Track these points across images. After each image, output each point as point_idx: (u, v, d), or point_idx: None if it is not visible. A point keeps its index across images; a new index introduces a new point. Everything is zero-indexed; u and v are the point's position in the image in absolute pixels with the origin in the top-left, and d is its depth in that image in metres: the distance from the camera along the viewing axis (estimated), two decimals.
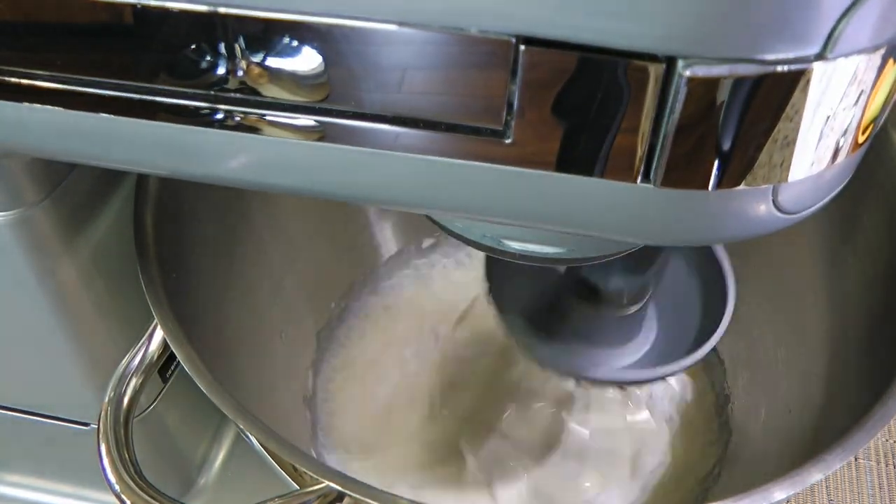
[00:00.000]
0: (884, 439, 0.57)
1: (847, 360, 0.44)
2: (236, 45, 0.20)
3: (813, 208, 0.22)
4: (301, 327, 0.60)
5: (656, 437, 0.57)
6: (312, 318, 0.61)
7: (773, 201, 0.20)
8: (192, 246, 0.44)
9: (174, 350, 0.36)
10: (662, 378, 0.44)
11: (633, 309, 0.42)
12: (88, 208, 0.39)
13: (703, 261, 0.45)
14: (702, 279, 0.46)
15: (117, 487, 0.34)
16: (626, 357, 0.45)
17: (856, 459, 0.56)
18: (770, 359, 0.54)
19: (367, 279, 0.65)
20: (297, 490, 0.34)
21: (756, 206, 0.21)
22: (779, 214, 0.21)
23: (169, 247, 0.41)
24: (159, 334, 0.39)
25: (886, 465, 0.56)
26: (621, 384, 0.53)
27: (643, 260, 0.38)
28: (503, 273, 0.44)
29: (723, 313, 0.43)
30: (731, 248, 0.58)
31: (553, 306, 0.45)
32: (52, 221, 0.36)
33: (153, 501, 0.34)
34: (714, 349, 0.52)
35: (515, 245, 0.28)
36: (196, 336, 0.39)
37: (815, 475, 0.32)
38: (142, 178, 0.41)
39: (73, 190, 0.37)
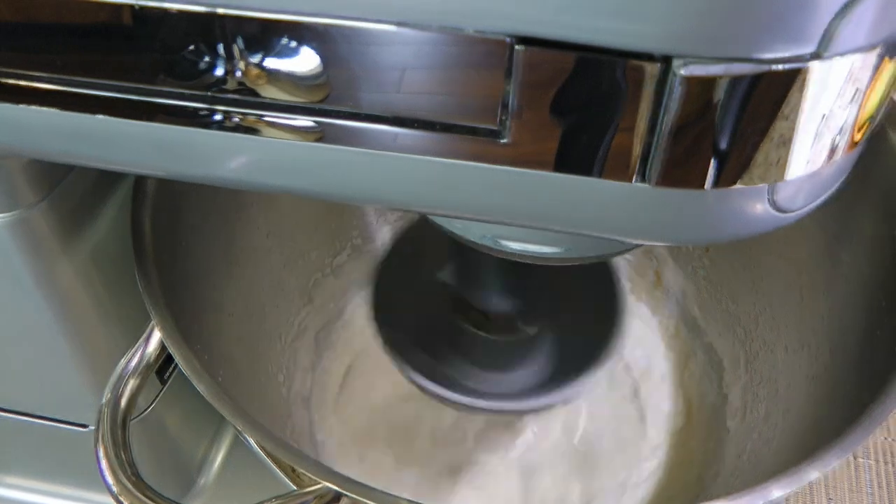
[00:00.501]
0: (882, 437, 0.57)
1: (844, 359, 0.44)
2: (234, 46, 0.20)
3: (809, 207, 0.22)
4: (300, 328, 0.60)
5: (654, 438, 0.57)
6: (311, 319, 0.61)
7: (770, 200, 0.20)
8: (190, 247, 0.44)
9: (172, 351, 0.36)
10: (561, 403, 0.42)
11: (524, 333, 0.41)
12: (86, 209, 0.39)
13: (598, 280, 0.44)
14: (596, 299, 0.45)
15: (115, 489, 0.34)
16: (519, 383, 0.44)
17: (854, 457, 0.56)
18: (768, 358, 0.54)
19: (366, 279, 0.65)
20: (296, 491, 0.34)
21: (753, 205, 0.21)
22: (776, 213, 0.21)
23: (166, 248, 0.41)
24: (157, 336, 0.38)
25: (885, 464, 0.56)
26: (511, 413, 0.51)
27: (530, 282, 0.38)
28: (389, 289, 0.43)
29: (615, 333, 0.42)
30: (731, 249, 0.58)
31: (442, 333, 0.44)
32: (50, 223, 0.36)
33: (151, 503, 0.34)
34: (714, 350, 0.52)
35: (514, 245, 0.28)
36: (194, 337, 0.39)
37: (813, 473, 0.32)
38: (139, 180, 0.41)
39: (71, 191, 0.37)
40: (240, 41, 0.20)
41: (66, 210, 0.37)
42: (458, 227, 0.29)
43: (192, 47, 0.21)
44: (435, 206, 0.24)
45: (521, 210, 0.22)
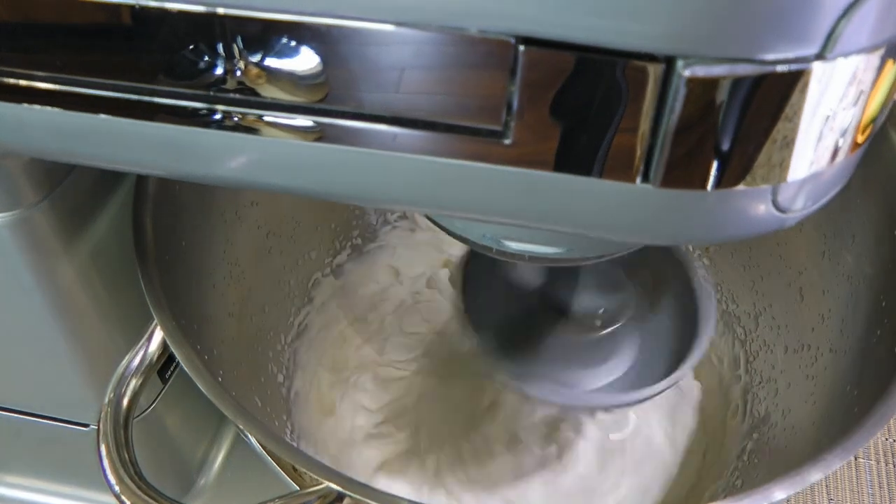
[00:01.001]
0: (884, 438, 0.57)
1: (844, 359, 0.44)
2: (234, 46, 0.20)
3: (812, 208, 0.22)
4: (300, 328, 0.60)
5: (657, 443, 0.57)
6: (311, 319, 0.61)
7: (773, 201, 0.20)
8: (191, 247, 0.44)
9: (174, 351, 0.36)
10: (635, 403, 0.43)
11: (608, 330, 0.41)
12: (87, 209, 0.39)
13: (683, 284, 0.44)
14: (681, 302, 0.45)
15: (117, 488, 0.34)
16: (600, 380, 0.44)
17: (856, 458, 0.56)
18: (768, 358, 0.54)
19: (367, 278, 0.65)
20: (298, 491, 0.34)
21: (755, 206, 0.21)
22: (778, 214, 0.21)
23: (167, 248, 0.41)
24: (159, 335, 0.39)
25: (886, 465, 0.56)
26: (592, 409, 0.52)
27: (618, 280, 0.38)
28: (477, 290, 0.43)
29: (699, 337, 0.42)
30: (731, 249, 0.58)
31: (527, 325, 0.45)
32: (51, 222, 0.36)
33: (153, 502, 0.34)
34: (714, 349, 0.52)
35: (515, 245, 0.28)
36: (194, 337, 0.39)
37: (815, 474, 0.32)
38: (141, 179, 0.41)
39: (72, 191, 0.37)
40: (240, 41, 0.20)
41: (67, 210, 0.37)
42: (458, 227, 0.29)
43: (192, 47, 0.21)
44: (437, 206, 0.24)
45: (523, 210, 0.22)
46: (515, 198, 0.21)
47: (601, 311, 0.40)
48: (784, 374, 0.51)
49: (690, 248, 0.61)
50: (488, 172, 0.21)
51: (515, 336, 0.45)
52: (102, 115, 0.23)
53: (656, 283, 0.46)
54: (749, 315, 0.56)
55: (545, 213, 0.22)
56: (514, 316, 0.45)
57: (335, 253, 0.63)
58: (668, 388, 0.41)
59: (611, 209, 0.21)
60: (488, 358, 0.42)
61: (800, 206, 0.21)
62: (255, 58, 0.20)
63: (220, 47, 0.21)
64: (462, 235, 0.29)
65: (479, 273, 0.44)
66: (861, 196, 0.45)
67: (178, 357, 0.36)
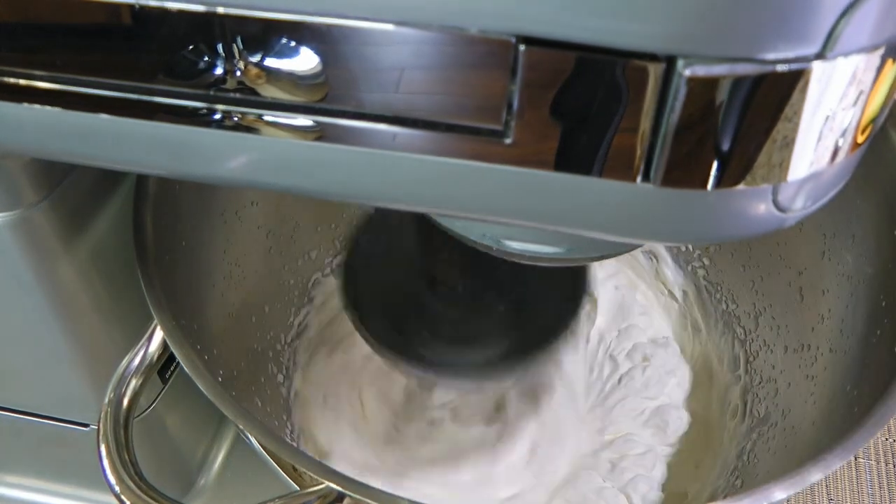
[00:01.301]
0: (883, 438, 0.57)
1: (844, 359, 0.44)
2: (234, 46, 0.20)
3: (812, 207, 0.22)
4: (300, 328, 0.60)
5: (657, 445, 0.57)
6: (311, 319, 0.61)
7: (773, 201, 0.20)
8: (191, 247, 0.44)
9: (174, 351, 0.36)
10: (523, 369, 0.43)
11: (486, 302, 0.41)
12: (88, 209, 0.39)
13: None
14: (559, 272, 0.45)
15: (117, 488, 0.34)
16: (486, 352, 0.44)
17: (856, 458, 0.56)
18: (768, 358, 0.54)
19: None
20: (298, 491, 0.34)
21: (756, 206, 0.21)
22: (778, 214, 0.21)
23: (168, 248, 0.41)
24: (159, 335, 0.39)
25: (886, 465, 0.56)
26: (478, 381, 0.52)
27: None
28: (357, 281, 0.43)
29: (582, 293, 0.42)
30: (731, 249, 0.58)
31: (408, 303, 0.45)
32: (51, 222, 0.36)
33: (153, 502, 0.34)
34: (714, 349, 0.52)
35: (515, 245, 0.28)
36: (194, 337, 0.39)
37: (815, 474, 0.32)
38: (141, 179, 0.41)
39: (72, 191, 0.37)
40: (240, 41, 0.20)
41: (67, 210, 0.37)
42: (459, 227, 0.29)
43: (191, 47, 0.21)
44: (437, 205, 0.24)
45: (524, 210, 0.22)
46: (515, 198, 0.21)
47: (476, 284, 0.41)
48: (784, 374, 0.51)
49: (690, 248, 0.61)
50: (488, 172, 0.21)
51: (398, 317, 0.45)
52: (102, 115, 0.23)
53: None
54: (749, 315, 0.56)
55: (545, 212, 0.22)
56: (395, 297, 0.46)
57: (335, 253, 0.63)
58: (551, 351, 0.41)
59: (611, 209, 0.21)
60: (385, 352, 0.42)
61: (800, 205, 0.21)
62: (255, 57, 0.20)
63: (220, 47, 0.21)
64: (462, 235, 0.29)
65: (366, 249, 0.44)
66: (861, 196, 0.45)
67: (178, 357, 0.36)
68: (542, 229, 0.26)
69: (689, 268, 0.61)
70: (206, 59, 0.21)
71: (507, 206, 0.22)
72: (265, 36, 0.20)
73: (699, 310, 0.61)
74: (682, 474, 0.55)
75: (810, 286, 0.50)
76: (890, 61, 0.19)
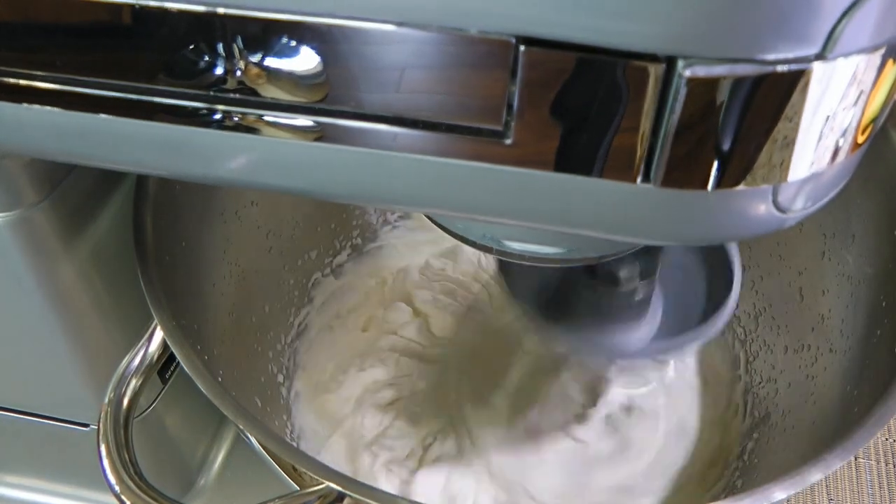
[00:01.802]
0: (884, 438, 0.57)
1: (846, 360, 0.44)
2: (234, 46, 0.20)
3: (813, 208, 0.22)
4: (300, 328, 0.60)
5: (657, 446, 0.57)
6: (311, 319, 0.61)
7: (773, 201, 0.20)
8: (191, 247, 0.44)
9: (174, 350, 0.36)
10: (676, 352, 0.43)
11: (641, 288, 0.42)
12: (88, 209, 0.39)
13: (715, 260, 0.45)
14: (706, 258, 0.45)
15: (117, 488, 0.34)
16: (637, 337, 0.45)
17: (856, 458, 0.56)
18: (768, 358, 0.54)
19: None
20: (298, 491, 0.34)
21: (756, 206, 0.21)
22: (779, 214, 0.21)
23: (168, 248, 0.41)
24: (159, 335, 0.39)
25: (886, 465, 0.56)
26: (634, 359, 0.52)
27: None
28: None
29: (730, 289, 0.42)
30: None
31: (562, 290, 0.45)
32: (51, 222, 0.36)
33: (153, 502, 0.34)
34: (714, 350, 0.52)
35: (516, 245, 0.28)
36: (194, 337, 0.39)
37: (815, 475, 0.32)
38: (141, 179, 0.41)
39: (72, 191, 0.37)
40: (240, 41, 0.20)
41: (68, 209, 0.37)
42: (459, 227, 0.29)
43: (192, 47, 0.21)
44: (437, 206, 0.24)
45: (524, 210, 0.22)
46: (516, 198, 0.21)
47: (628, 272, 0.41)
48: (784, 374, 0.51)
49: None
50: (489, 172, 0.21)
51: (552, 302, 0.45)
52: (102, 115, 0.23)
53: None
54: (749, 315, 0.56)
55: (545, 213, 0.22)
56: (549, 282, 0.46)
57: (335, 253, 0.63)
58: (697, 342, 0.41)
59: (611, 209, 0.21)
60: (531, 324, 0.43)
61: (800, 206, 0.21)
62: (256, 58, 0.20)
63: (220, 47, 0.21)
64: (462, 235, 0.29)
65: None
66: (861, 196, 0.45)
67: (178, 357, 0.36)
68: (543, 229, 0.26)
69: None
70: (206, 59, 0.21)
71: (507, 207, 0.22)
72: (265, 36, 0.20)
73: None
74: (683, 473, 0.55)
75: (810, 286, 0.50)
76: (890, 62, 0.19)
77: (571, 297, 0.45)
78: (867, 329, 0.43)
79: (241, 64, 0.21)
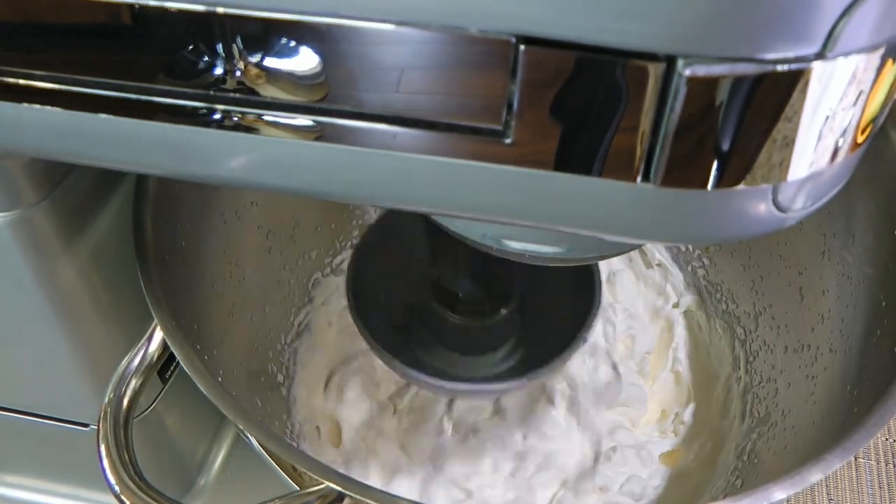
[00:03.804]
0: (884, 438, 0.57)
1: (844, 359, 0.44)
2: (234, 46, 0.20)
3: (812, 207, 0.22)
4: (300, 328, 0.60)
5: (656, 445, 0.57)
6: (312, 319, 0.61)
7: (773, 201, 0.20)
8: (191, 247, 0.44)
9: (174, 350, 0.36)
10: (523, 386, 0.42)
11: (496, 315, 0.41)
12: (88, 209, 0.39)
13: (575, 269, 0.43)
14: (569, 280, 0.44)
15: (117, 488, 0.34)
16: (493, 367, 0.44)
17: (856, 458, 0.56)
18: (768, 358, 0.54)
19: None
20: (298, 491, 0.34)
21: (756, 206, 0.21)
22: (778, 214, 0.21)
23: (167, 248, 0.41)
24: (159, 335, 0.39)
25: (886, 465, 0.56)
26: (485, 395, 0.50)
27: (500, 266, 0.37)
28: (366, 284, 0.43)
29: (591, 311, 0.41)
30: (731, 249, 0.58)
31: (415, 314, 0.44)
32: (51, 222, 0.36)
33: (153, 502, 0.34)
34: (714, 350, 0.52)
35: (516, 245, 0.28)
36: (194, 337, 0.39)
37: (815, 475, 0.32)
38: (141, 179, 0.41)
39: (72, 191, 0.37)
40: (239, 41, 0.20)
41: (68, 209, 0.37)
42: (459, 227, 0.29)
43: (191, 47, 0.21)
44: (437, 205, 0.24)
45: (524, 210, 0.22)
46: (515, 197, 0.22)
47: (486, 297, 0.40)
48: (784, 374, 0.51)
49: (690, 248, 0.61)
50: (488, 172, 0.21)
51: (405, 326, 0.44)
52: (102, 115, 0.23)
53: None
54: (749, 315, 0.56)
55: (545, 212, 0.22)
56: (401, 306, 0.45)
57: (335, 253, 0.63)
58: (555, 368, 0.40)
59: (611, 209, 0.21)
60: (383, 354, 0.41)
61: (800, 205, 0.21)
62: (255, 58, 0.21)
63: (220, 47, 0.21)
64: (462, 235, 0.29)
65: (367, 269, 0.44)
66: (861, 196, 0.45)
67: (178, 357, 0.36)
68: (542, 229, 0.26)
69: (689, 268, 0.61)
70: (206, 58, 0.21)
71: (506, 206, 0.22)
72: (264, 36, 0.20)
73: (699, 310, 0.61)
74: (682, 475, 0.55)
75: (810, 286, 0.50)
76: (890, 61, 0.19)
77: (422, 323, 0.44)
78: (867, 329, 0.43)
79: (241, 64, 0.21)
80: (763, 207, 0.21)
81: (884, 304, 0.42)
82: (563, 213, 0.22)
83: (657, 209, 0.21)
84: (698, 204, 0.20)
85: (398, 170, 0.22)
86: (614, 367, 0.60)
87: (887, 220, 0.43)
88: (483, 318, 0.41)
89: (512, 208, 0.22)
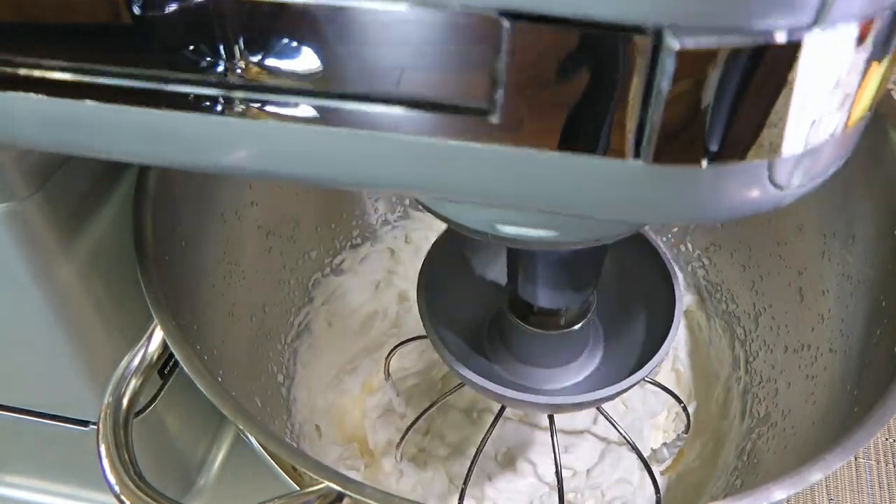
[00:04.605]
0: (884, 438, 0.57)
1: (844, 359, 0.44)
2: (223, 29, 0.20)
3: (811, 185, 0.21)
4: (300, 328, 0.60)
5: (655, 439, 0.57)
6: (311, 319, 0.61)
7: (769, 177, 0.20)
8: (191, 247, 0.44)
9: (173, 350, 0.36)
10: (602, 402, 0.41)
11: (575, 326, 0.40)
12: (85, 207, 0.39)
13: (648, 271, 0.42)
14: (647, 292, 0.43)
15: (117, 488, 0.34)
16: (569, 378, 0.43)
17: (856, 458, 0.56)
18: (767, 358, 0.54)
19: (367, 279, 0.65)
20: (297, 491, 0.34)
21: (751, 183, 0.20)
22: (775, 191, 0.20)
23: (167, 248, 0.41)
24: (159, 335, 0.39)
25: (886, 465, 0.56)
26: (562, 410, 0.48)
27: (582, 275, 0.36)
28: (437, 290, 0.42)
29: (669, 327, 0.40)
30: (731, 249, 0.58)
31: (490, 325, 0.43)
32: (47, 220, 0.36)
33: (153, 502, 0.34)
34: (714, 350, 0.52)
35: (508, 230, 0.27)
36: (194, 337, 0.39)
37: (815, 474, 0.32)
38: (141, 179, 0.41)
39: (66, 188, 0.37)
40: (227, 23, 0.20)
41: (63, 207, 0.37)
42: (450, 213, 0.28)
43: (180, 29, 0.20)
44: (424, 187, 0.23)
45: (513, 190, 0.21)
46: (504, 178, 0.21)
47: (564, 308, 0.39)
48: (784, 374, 0.51)
49: (690, 248, 0.61)
50: (476, 152, 0.20)
51: (476, 337, 0.43)
52: (89, 102, 0.23)
53: (622, 274, 0.44)
54: (749, 315, 0.56)
55: (534, 193, 0.21)
56: (475, 319, 0.44)
57: (335, 253, 0.63)
58: (634, 384, 0.39)
59: (603, 187, 0.20)
60: (451, 362, 0.40)
61: (798, 182, 0.20)
62: (245, 40, 0.20)
63: (209, 31, 0.20)
64: (454, 221, 0.28)
65: (439, 277, 0.43)
66: (861, 196, 0.45)
67: (178, 357, 0.36)
68: (534, 212, 0.25)
69: (689, 268, 0.61)
70: (194, 42, 0.20)
71: (496, 187, 0.21)
72: (252, 17, 0.20)
73: (699, 310, 0.61)
74: (682, 475, 0.55)
75: (810, 286, 0.50)
76: (887, 31, 0.18)
77: (497, 334, 0.42)
78: (867, 329, 0.43)
79: (228, 46, 0.20)
80: (759, 185, 0.20)
81: (884, 304, 0.42)
82: (553, 194, 0.21)
83: (649, 187, 0.20)
84: (690, 181, 0.20)
85: (386, 152, 0.21)
86: None
87: (887, 220, 0.43)
88: (557, 328, 0.40)
89: (501, 189, 0.21)
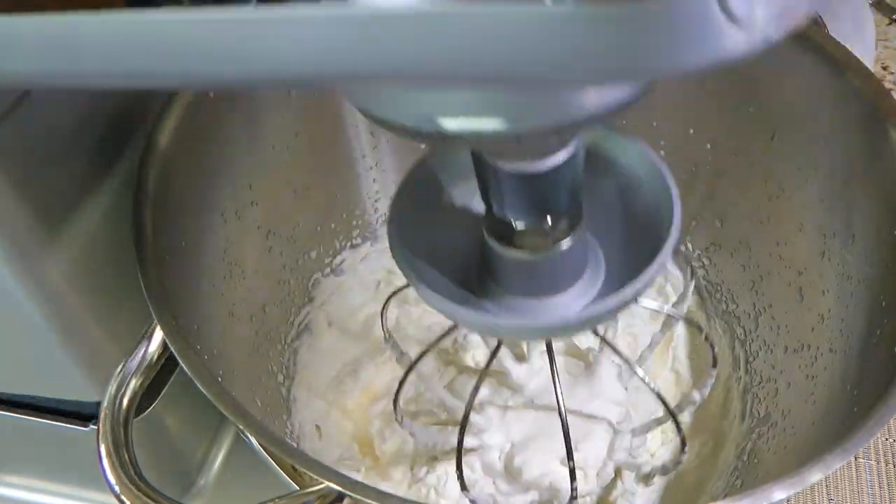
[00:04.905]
0: (884, 438, 0.57)
1: (844, 359, 0.44)
2: None
3: (778, 29, 0.17)
4: (300, 328, 0.60)
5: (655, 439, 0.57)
6: (311, 319, 0.61)
7: (720, 4, 0.16)
8: (192, 246, 0.44)
9: (174, 351, 0.36)
10: (603, 320, 0.37)
11: (563, 245, 0.37)
12: (68, 208, 0.39)
13: (631, 166, 0.37)
14: (633, 187, 0.38)
15: (117, 488, 0.34)
16: (581, 298, 0.38)
17: (855, 458, 0.56)
18: (767, 358, 0.54)
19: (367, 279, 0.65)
20: (297, 491, 0.34)
21: (698, 15, 0.16)
22: (732, 27, 0.16)
23: (168, 247, 0.41)
24: (158, 335, 0.39)
25: (886, 465, 0.56)
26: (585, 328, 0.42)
27: (558, 184, 0.33)
28: (412, 227, 0.37)
29: (671, 214, 0.35)
30: (731, 249, 0.58)
31: (473, 258, 0.39)
32: (28, 222, 0.36)
33: (153, 502, 0.34)
34: (713, 351, 0.51)
35: (452, 123, 0.23)
36: (193, 337, 0.39)
37: (815, 474, 0.32)
38: (141, 179, 0.41)
39: (49, 189, 0.37)
40: None
41: (44, 208, 0.37)
42: (387, 111, 0.24)
43: None
44: (333, 71, 0.19)
45: (431, 59, 0.18)
46: (418, 42, 0.17)
47: (548, 224, 0.35)
48: (784, 374, 0.51)
49: (690, 248, 0.61)
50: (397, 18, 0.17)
51: (464, 276, 0.39)
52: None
53: (624, 199, 0.39)
54: (749, 315, 0.56)
55: (456, 59, 0.18)
56: (458, 254, 0.39)
57: (335, 253, 0.63)
58: (632, 298, 0.36)
59: (529, 43, 0.17)
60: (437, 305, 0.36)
61: (760, 14, 0.16)
62: None
63: None
64: (393, 121, 0.24)
65: (406, 218, 0.40)
66: (861, 196, 0.45)
67: (178, 357, 0.36)
68: (472, 92, 0.21)
69: (689, 268, 0.61)
70: None
71: (405, 58, 0.18)
72: None
73: (699, 310, 0.61)
74: (682, 474, 0.55)
75: (810, 286, 0.50)
76: None
77: (483, 267, 0.38)
78: (867, 329, 0.43)
79: None
80: (708, 17, 0.16)
81: (884, 304, 0.42)
82: (476, 57, 0.17)
83: (582, 35, 0.17)
84: (623, 20, 0.16)
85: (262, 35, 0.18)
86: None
87: (887, 220, 0.43)
88: (550, 247, 0.36)
89: (417, 59, 0.18)
